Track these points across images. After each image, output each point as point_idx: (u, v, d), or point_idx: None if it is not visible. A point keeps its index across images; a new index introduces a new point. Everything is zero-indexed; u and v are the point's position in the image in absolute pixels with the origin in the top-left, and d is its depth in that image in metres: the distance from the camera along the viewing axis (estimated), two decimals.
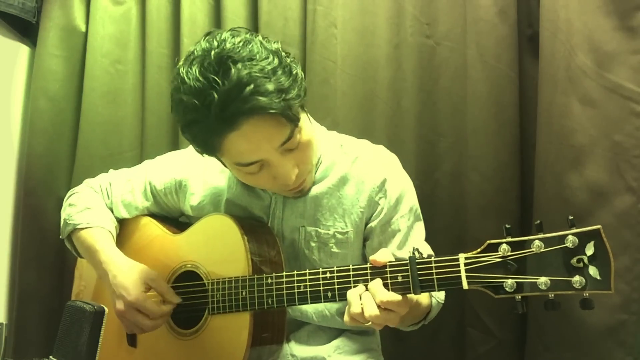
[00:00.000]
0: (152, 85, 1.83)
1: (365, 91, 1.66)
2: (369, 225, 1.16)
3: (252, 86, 0.92)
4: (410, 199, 1.19)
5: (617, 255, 1.31)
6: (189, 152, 1.29)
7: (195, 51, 0.98)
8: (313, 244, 1.16)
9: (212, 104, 0.93)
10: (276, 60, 0.97)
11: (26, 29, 1.93)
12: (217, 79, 0.93)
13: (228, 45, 0.96)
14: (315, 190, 1.16)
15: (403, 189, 1.18)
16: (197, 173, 1.24)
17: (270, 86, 0.94)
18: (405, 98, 1.64)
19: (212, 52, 0.95)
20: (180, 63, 1.00)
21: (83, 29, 1.90)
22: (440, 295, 1.16)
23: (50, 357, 0.94)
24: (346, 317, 0.94)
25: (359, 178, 1.16)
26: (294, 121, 0.99)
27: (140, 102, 1.87)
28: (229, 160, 1.05)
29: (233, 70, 0.93)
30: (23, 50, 1.97)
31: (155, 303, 1.12)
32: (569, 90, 1.39)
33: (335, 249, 1.16)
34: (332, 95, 1.66)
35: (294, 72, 0.99)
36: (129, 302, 1.11)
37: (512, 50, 1.54)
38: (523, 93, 1.55)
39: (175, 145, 1.78)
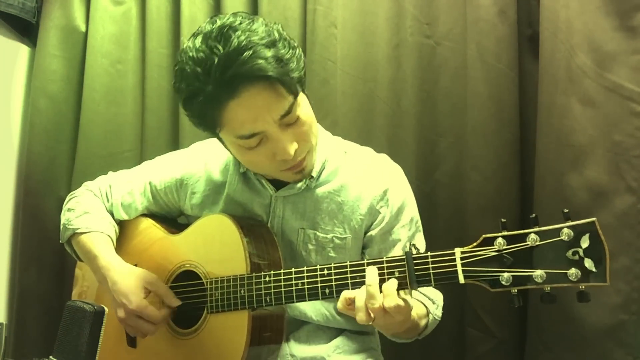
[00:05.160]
0: (152, 85, 1.84)
1: (365, 91, 1.66)
2: (368, 234, 1.17)
3: (251, 51, 0.95)
4: (412, 210, 1.20)
5: (617, 255, 1.32)
6: (189, 152, 1.29)
7: (199, 28, 1.02)
8: (311, 247, 1.16)
9: (212, 69, 0.95)
10: (276, 34, 0.99)
11: (26, 29, 1.94)
12: (218, 45, 0.95)
13: (230, 20, 0.99)
14: (316, 192, 1.16)
15: (405, 199, 1.18)
16: (197, 172, 1.24)
17: (268, 52, 0.96)
18: (405, 98, 1.64)
19: (215, 26, 0.99)
20: (185, 42, 1.02)
21: (83, 29, 1.91)
22: (437, 312, 1.16)
23: (50, 357, 0.94)
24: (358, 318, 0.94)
25: (360, 186, 1.16)
26: (294, 92, 1.00)
27: (140, 102, 1.87)
28: (229, 134, 1.04)
29: (233, 36, 0.96)
30: (23, 50, 1.97)
31: (155, 308, 1.12)
32: (569, 90, 1.39)
33: (332, 254, 1.16)
34: (332, 95, 1.66)
35: (295, 49, 1.02)
36: (130, 310, 1.11)
37: (512, 50, 1.53)
38: (523, 93, 1.55)
39: (175, 145, 1.78)
